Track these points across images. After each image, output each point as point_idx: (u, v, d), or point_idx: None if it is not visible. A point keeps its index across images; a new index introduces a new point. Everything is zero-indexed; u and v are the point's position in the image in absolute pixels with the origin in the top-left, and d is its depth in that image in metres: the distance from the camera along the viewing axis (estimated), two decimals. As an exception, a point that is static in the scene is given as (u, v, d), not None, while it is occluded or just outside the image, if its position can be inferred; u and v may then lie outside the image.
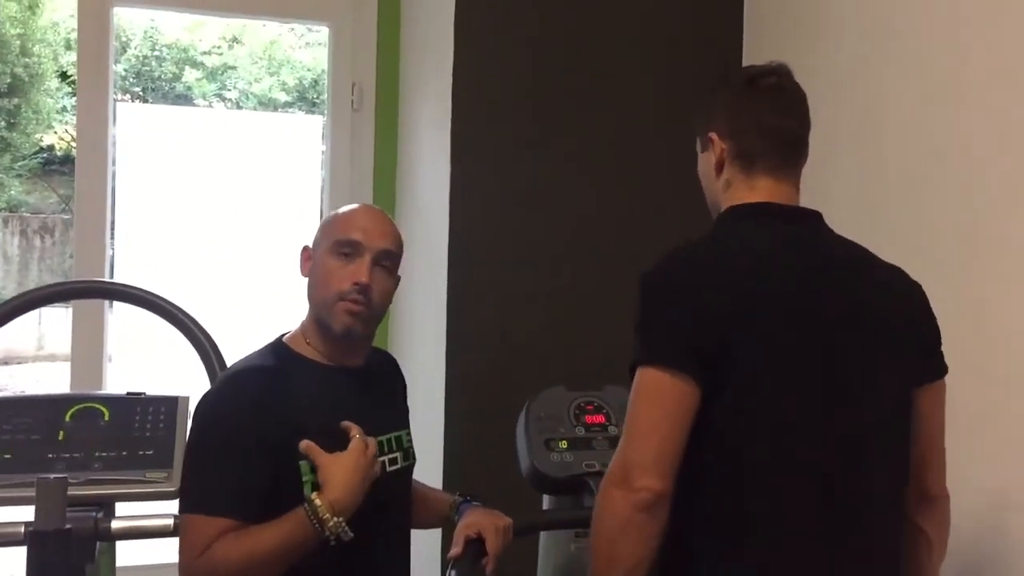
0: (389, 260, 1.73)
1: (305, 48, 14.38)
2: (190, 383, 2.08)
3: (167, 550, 2.63)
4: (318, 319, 1.73)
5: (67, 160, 14.57)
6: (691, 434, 1.39)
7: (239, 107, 13.32)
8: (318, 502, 1.55)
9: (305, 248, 1.79)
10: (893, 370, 1.48)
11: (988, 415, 1.84)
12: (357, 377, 1.77)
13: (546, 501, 2.18)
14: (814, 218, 1.54)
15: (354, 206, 1.81)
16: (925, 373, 1.53)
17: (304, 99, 14.52)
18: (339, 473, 1.58)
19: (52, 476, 0.94)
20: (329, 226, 1.76)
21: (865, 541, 1.44)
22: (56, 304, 1.99)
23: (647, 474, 1.35)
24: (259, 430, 1.60)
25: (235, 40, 13.77)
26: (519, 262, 2.54)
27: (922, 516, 1.55)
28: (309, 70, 14.61)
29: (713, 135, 1.56)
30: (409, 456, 1.83)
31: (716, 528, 1.43)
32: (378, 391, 1.83)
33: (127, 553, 2.03)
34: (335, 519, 1.55)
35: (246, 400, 1.64)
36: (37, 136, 13.09)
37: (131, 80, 13.41)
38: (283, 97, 13.81)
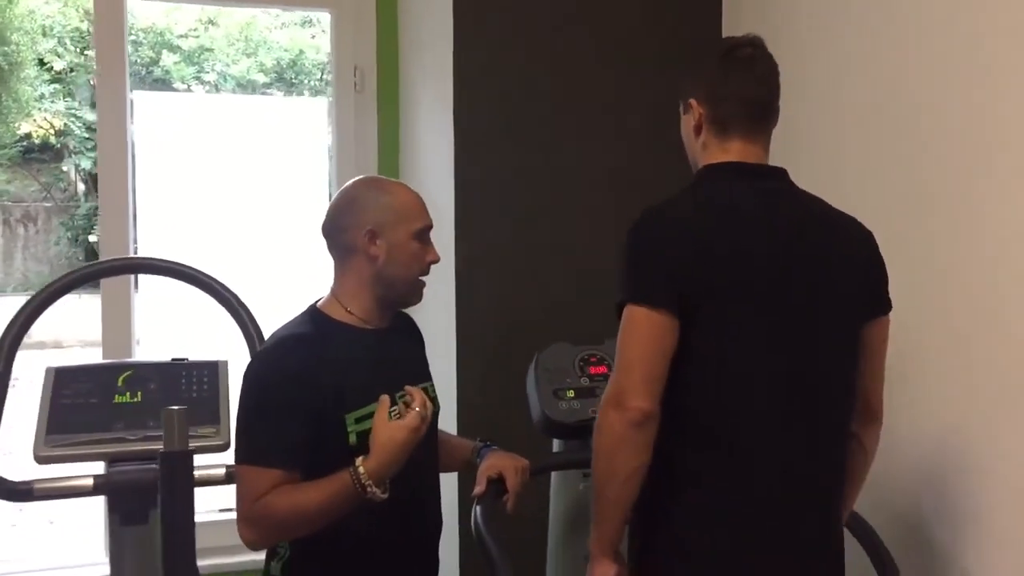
0: None
1: (281, 29, 14.39)
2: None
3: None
4: (387, 293, 1.90)
5: (46, 148, 14.52)
6: (675, 359, 1.61)
7: (217, 90, 13.33)
8: (362, 469, 1.70)
9: (371, 231, 1.87)
10: (845, 305, 1.71)
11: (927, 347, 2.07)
12: (386, 337, 1.94)
13: (556, 445, 2.39)
14: (780, 174, 1.76)
15: (402, 188, 1.96)
16: (873, 309, 1.76)
17: (282, 80, 14.53)
18: (388, 442, 1.72)
19: (175, 408, 1.12)
20: (406, 212, 1.90)
21: (818, 447, 1.69)
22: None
23: (637, 396, 1.59)
24: (304, 389, 1.76)
25: (211, 22, 13.76)
26: (522, 228, 2.72)
27: (863, 429, 1.79)
28: (286, 51, 14.61)
29: (693, 101, 1.77)
30: (435, 404, 2.02)
31: (694, 442, 1.66)
32: (404, 348, 2.01)
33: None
34: (375, 488, 1.71)
35: (292, 362, 1.80)
36: (15, 125, 13.07)
37: (108, 66, 13.35)
38: (261, 79, 13.84)
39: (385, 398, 1.77)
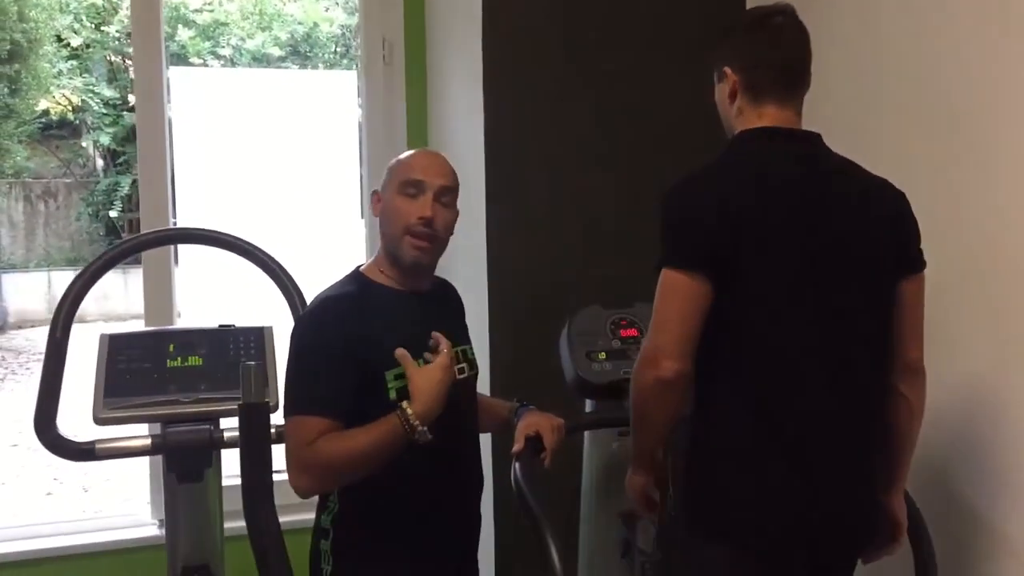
0: (448, 195, 1.96)
1: (295, 2, 14.40)
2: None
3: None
4: (389, 252, 1.98)
5: (64, 124, 14.62)
6: (711, 322, 1.69)
7: (233, 64, 13.38)
8: (409, 411, 1.80)
9: (375, 192, 2.03)
10: (879, 264, 1.78)
11: (962, 305, 2.12)
12: (426, 300, 2.02)
13: (588, 405, 2.47)
14: (815, 138, 1.82)
15: (413, 151, 2.05)
16: (907, 267, 1.82)
17: (297, 53, 14.55)
18: (426, 384, 1.83)
19: (252, 363, 1.20)
20: (394, 170, 1.99)
21: (854, 400, 1.76)
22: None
23: (669, 356, 1.69)
24: (347, 346, 1.84)
25: (227, -4, 13.79)
26: (552, 194, 2.79)
27: (905, 385, 1.86)
28: (300, 23, 14.62)
29: (727, 69, 1.83)
30: (474, 366, 2.10)
31: (733, 397, 1.75)
32: (444, 311, 2.08)
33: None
34: (421, 427, 1.81)
35: (335, 321, 1.88)
36: (34, 102, 13.16)
37: (124, 41, 13.45)
38: (276, 52, 13.86)
39: (402, 351, 1.84)
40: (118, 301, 12.53)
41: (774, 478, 1.72)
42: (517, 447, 2.07)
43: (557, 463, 2.08)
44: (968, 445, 2.14)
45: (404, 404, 1.81)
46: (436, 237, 1.95)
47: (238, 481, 2.82)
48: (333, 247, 3.14)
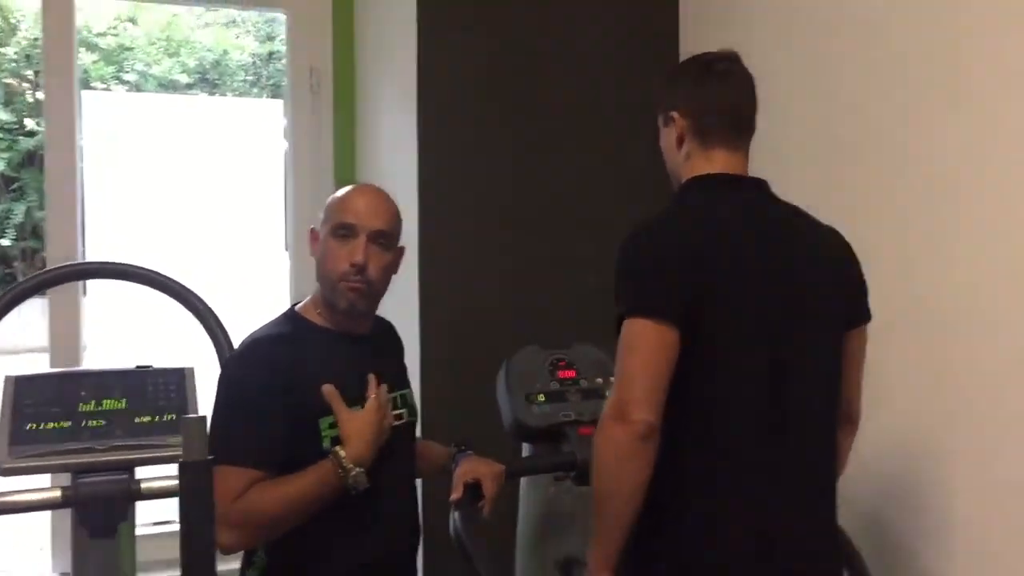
0: (385, 238, 1.88)
1: (205, 29, 14.11)
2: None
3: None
4: (325, 296, 1.89)
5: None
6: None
7: (138, 90, 13.01)
8: (343, 454, 1.73)
9: (312, 230, 1.94)
10: (830, 314, 1.76)
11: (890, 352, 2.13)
12: (363, 343, 1.93)
13: (525, 449, 2.39)
14: (762, 185, 1.80)
15: (350, 188, 1.94)
16: (854, 318, 1.81)
17: (206, 80, 14.25)
18: (358, 428, 1.76)
19: (193, 416, 1.09)
20: (330, 209, 1.90)
21: (809, 459, 1.72)
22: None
23: (641, 408, 1.58)
24: (278, 390, 1.75)
25: (130, 20, 13.41)
26: (488, 231, 2.73)
27: (842, 434, 1.82)
28: (209, 51, 14.32)
29: (675, 113, 1.79)
30: (413, 412, 2.01)
31: (692, 454, 1.66)
32: (382, 355, 1.99)
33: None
34: (356, 470, 1.73)
35: (266, 364, 1.79)
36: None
37: (22, 63, 12.95)
38: (184, 79, 13.54)
39: (330, 388, 1.77)
40: (11, 335, 11.93)
41: (738, 543, 1.65)
42: (456, 495, 1.98)
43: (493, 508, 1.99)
44: (901, 490, 2.15)
45: (337, 448, 1.73)
46: (370, 283, 1.86)
47: (151, 531, 2.69)
48: (255, 282, 3.01)
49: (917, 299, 2.11)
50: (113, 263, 2.14)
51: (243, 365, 1.82)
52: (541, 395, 2.27)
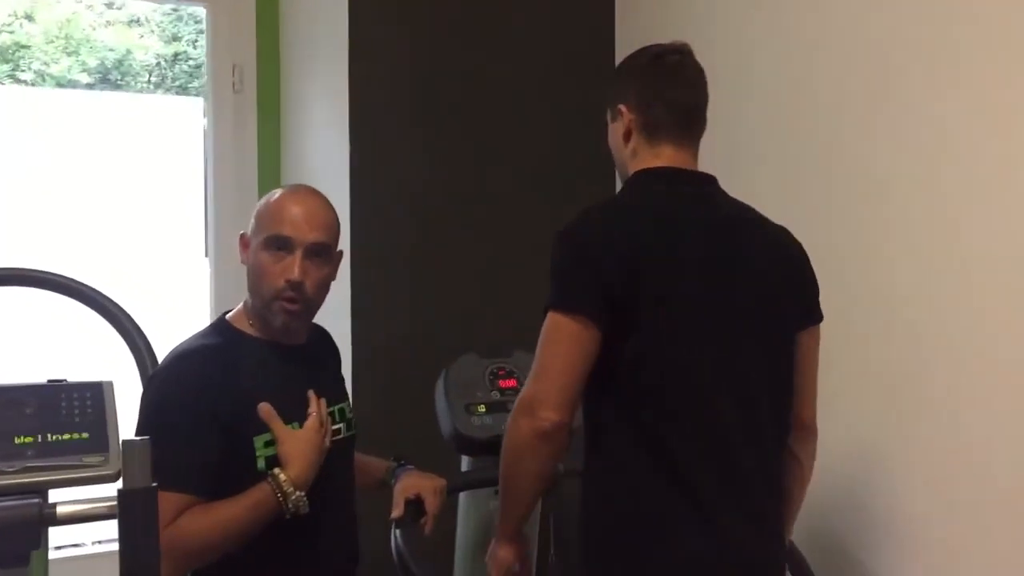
0: (322, 251, 1.75)
1: (106, 27, 13.62)
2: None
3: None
4: (257, 310, 1.77)
5: None
6: (605, 371, 1.57)
7: (35, 88, 12.49)
8: (282, 477, 1.62)
9: (242, 235, 1.81)
10: (780, 313, 1.70)
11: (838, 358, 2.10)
12: (299, 355, 1.82)
13: (464, 463, 2.31)
14: (711, 181, 1.74)
15: (282, 193, 1.80)
16: (804, 318, 1.75)
17: (107, 81, 13.76)
18: (300, 448, 1.66)
19: (135, 439, 0.98)
20: (261, 218, 1.77)
21: (755, 467, 1.66)
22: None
23: (548, 407, 1.55)
24: (209, 407, 1.64)
25: (27, 17, 12.88)
26: (423, 236, 2.65)
27: (797, 444, 1.78)
28: (112, 50, 13.84)
29: (622, 107, 1.73)
30: (351, 426, 1.91)
31: (631, 451, 1.61)
32: (319, 367, 1.89)
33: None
34: (297, 493, 1.62)
35: (194, 378, 1.67)
36: None
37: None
38: (84, 79, 13.04)
39: (267, 407, 1.66)
40: None
41: (686, 540, 1.60)
42: (397, 512, 1.90)
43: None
44: (853, 501, 2.13)
45: (277, 471, 1.62)
46: (307, 300, 1.75)
47: (61, 554, 2.52)
48: (172, 291, 2.86)
49: (866, 301, 2.10)
50: (24, 270, 1.97)
51: (169, 382, 1.70)
52: (482, 406, 2.20)
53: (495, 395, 2.23)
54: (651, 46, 1.78)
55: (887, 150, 2.06)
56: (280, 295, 1.71)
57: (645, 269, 1.58)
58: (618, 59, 2.87)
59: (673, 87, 1.72)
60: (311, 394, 1.72)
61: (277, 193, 1.81)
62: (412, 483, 1.93)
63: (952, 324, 1.92)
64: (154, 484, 0.97)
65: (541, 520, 2.27)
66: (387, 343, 2.58)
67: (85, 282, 2.02)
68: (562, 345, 1.56)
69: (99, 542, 2.75)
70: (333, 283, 1.83)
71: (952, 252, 1.92)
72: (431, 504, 1.91)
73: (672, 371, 1.60)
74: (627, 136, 1.73)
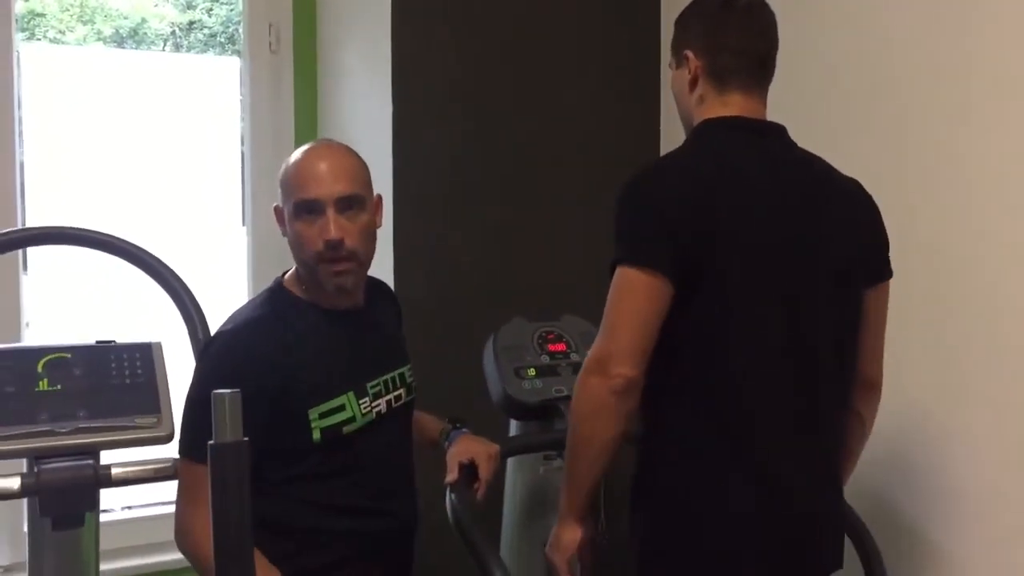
0: (354, 201, 1.70)
1: (121, -5, 13.55)
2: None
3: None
4: (307, 279, 1.73)
5: None
6: (673, 326, 1.53)
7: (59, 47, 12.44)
8: None
9: (276, 207, 1.76)
10: (849, 269, 1.66)
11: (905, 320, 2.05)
12: (357, 320, 1.78)
13: (513, 427, 2.28)
14: (781, 131, 1.69)
15: (300, 154, 1.74)
16: (874, 274, 1.72)
17: (123, 49, 13.69)
18: None
19: (225, 392, 0.94)
20: (285, 186, 1.72)
21: (819, 417, 1.64)
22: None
23: (622, 362, 1.51)
24: (259, 380, 1.60)
25: (42, -15, 12.83)
26: (466, 199, 2.59)
27: (861, 401, 1.75)
28: (126, 18, 13.78)
29: (688, 53, 1.68)
30: (412, 391, 1.87)
31: (696, 412, 1.59)
32: (378, 331, 1.85)
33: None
34: None
35: (242, 354, 1.65)
36: None
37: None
38: (100, 48, 12.98)
39: None
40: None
41: (746, 504, 1.57)
42: (452, 476, 1.87)
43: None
44: (905, 461, 2.09)
45: None
46: (352, 255, 1.69)
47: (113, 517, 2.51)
48: (209, 258, 2.81)
49: (928, 271, 2.04)
50: (79, 229, 1.93)
51: (220, 350, 1.68)
52: (532, 369, 2.17)
53: (544, 359, 2.19)
54: None
55: (957, 109, 1.99)
56: (322, 258, 1.66)
57: (717, 222, 1.54)
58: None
59: (743, 33, 1.67)
60: None
61: (294, 157, 1.75)
62: (466, 448, 1.90)
63: (1011, 298, 1.87)
64: (245, 438, 0.93)
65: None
66: (433, 307, 2.54)
67: (134, 242, 1.98)
68: (635, 300, 1.52)
69: (128, 508, 2.74)
70: (379, 250, 1.79)
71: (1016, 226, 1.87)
72: (484, 470, 1.88)
73: (740, 326, 1.56)
74: (693, 83, 1.68)
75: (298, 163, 1.71)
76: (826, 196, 1.66)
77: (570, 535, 1.69)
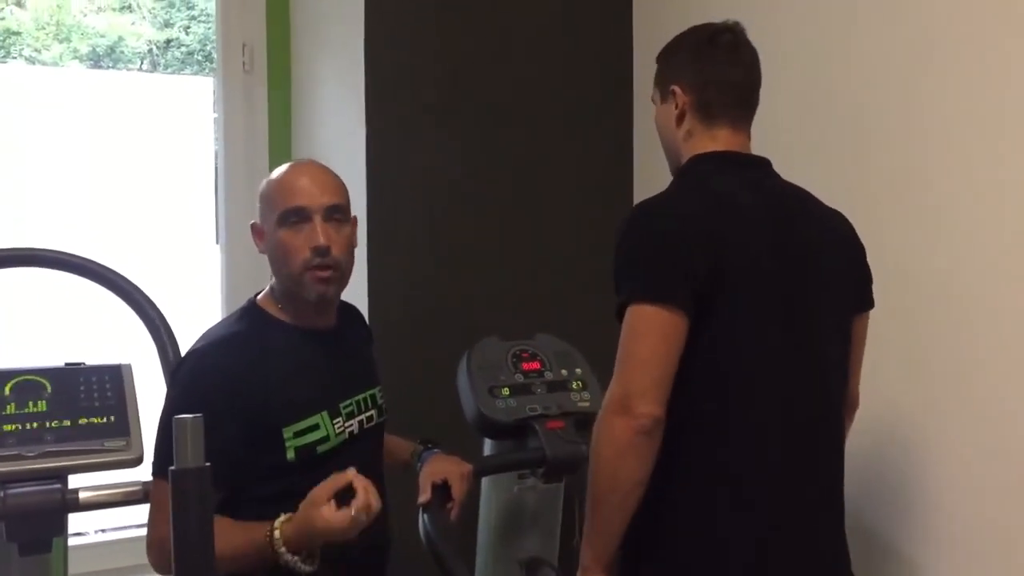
0: (339, 212, 1.73)
1: (98, 13, 13.49)
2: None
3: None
4: (288, 290, 1.73)
5: None
6: (682, 361, 1.52)
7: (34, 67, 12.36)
8: (277, 534, 1.55)
9: (253, 225, 1.78)
10: (839, 298, 1.69)
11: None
12: (329, 340, 1.78)
13: (487, 447, 2.27)
14: (766, 164, 1.72)
15: (285, 169, 1.77)
16: (859, 304, 1.75)
17: (99, 68, 13.62)
18: (315, 521, 1.54)
19: (188, 416, 0.93)
20: (269, 198, 1.73)
21: (825, 445, 1.66)
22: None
23: (647, 401, 1.48)
24: (233, 398, 1.61)
25: (17, 3, 12.75)
26: (440, 217, 2.60)
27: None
28: (103, 36, 13.71)
29: (676, 88, 1.69)
30: (382, 412, 1.87)
31: (701, 443, 1.57)
32: (350, 352, 1.85)
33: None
34: (290, 555, 1.55)
35: (218, 370, 1.65)
36: None
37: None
38: (76, 66, 12.91)
39: (352, 472, 1.57)
40: None
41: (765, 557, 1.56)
42: (424, 497, 1.86)
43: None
44: (877, 476, 2.10)
45: (278, 521, 1.55)
46: (337, 265, 1.71)
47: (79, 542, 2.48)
48: (183, 276, 2.80)
49: (899, 286, 2.06)
50: (46, 251, 1.92)
51: (192, 373, 1.67)
52: (505, 388, 2.16)
53: (519, 378, 2.18)
54: (702, 25, 1.75)
55: (924, 129, 2.02)
56: (308, 265, 1.67)
57: (724, 257, 1.55)
58: (636, 38, 2.84)
59: (729, 67, 1.69)
60: (360, 485, 1.56)
61: (277, 172, 1.77)
62: (439, 468, 1.90)
63: (984, 305, 1.89)
64: (207, 464, 0.92)
65: (566, 504, 2.24)
66: (407, 325, 2.54)
67: (105, 264, 1.97)
68: (654, 337, 1.50)
69: (102, 531, 2.71)
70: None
71: (987, 234, 1.88)
72: (457, 490, 1.87)
73: (748, 358, 1.57)
74: (680, 118, 1.70)
75: (283, 176, 1.74)
76: (818, 229, 1.68)
77: None
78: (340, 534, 1.53)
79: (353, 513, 1.53)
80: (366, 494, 1.54)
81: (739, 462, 1.57)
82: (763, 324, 1.57)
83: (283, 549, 1.53)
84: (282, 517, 1.55)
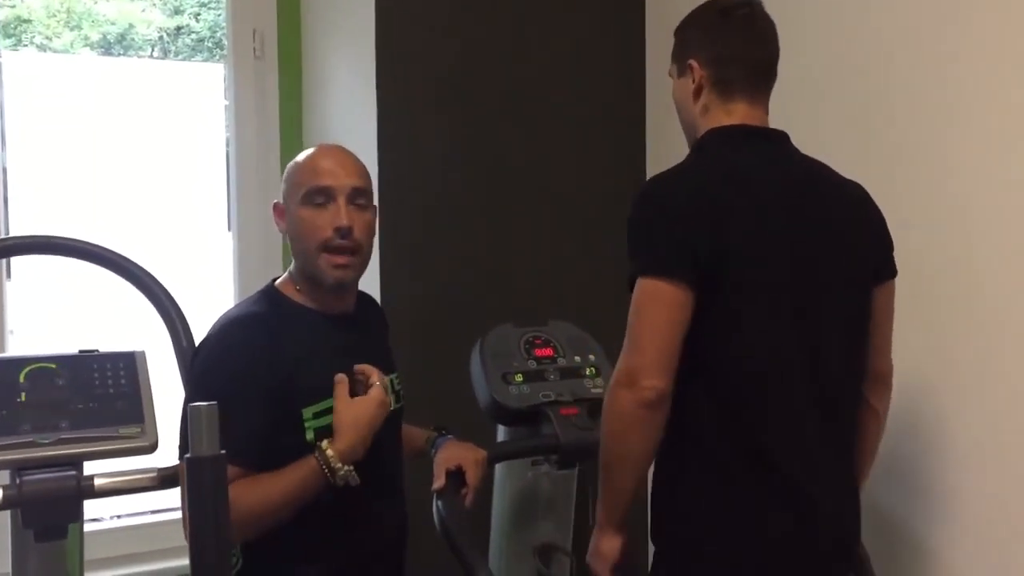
0: (362, 196, 1.74)
1: (108, 1, 13.47)
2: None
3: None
4: (306, 272, 1.73)
5: None
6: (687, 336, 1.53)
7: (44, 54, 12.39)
8: (330, 452, 1.58)
9: (276, 204, 1.78)
10: (857, 269, 1.68)
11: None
12: (348, 325, 1.78)
13: (500, 433, 2.27)
14: (784, 137, 1.71)
15: (312, 150, 1.80)
16: (882, 272, 1.73)
17: (110, 55, 13.63)
18: (355, 419, 1.61)
19: (202, 404, 0.93)
20: (294, 177, 1.74)
21: (834, 419, 1.64)
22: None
23: (651, 374, 1.50)
24: (257, 377, 1.60)
25: (28, -9, 12.77)
26: (453, 204, 2.59)
27: (875, 396, 1.77)
28: (113, 23, 13.72)
29: (693, 62, 1.68)
30: (400, 398, 1.87)
31: (713, 413, 1.58)
32: (367, 337, 1.85)
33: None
34: (345, 468, 1.59)
35: (242, 347, 1.64)
36: None
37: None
38: (87, 53, 12.92)
39: (342, 378, 1.63)
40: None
41: (761, 509, 1.58)
42: (438, 484, 1.86)
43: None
44: (897, 462, 2.08)
45: (324, 444, 1.58)
46: (358, 248, 1.71)
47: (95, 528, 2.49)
48: (195, 263, 2.81)
49: (915, 268, 2.04)
50: (59, 238, 1.92)
51: (217, 350, 1.66)
52: (519, 375, 2.15)
53: (531, 364, 2.18)
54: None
55: (946, 103, 1.99)
56: (329, 245, 1.67)
57: (731, 232, 1.55)
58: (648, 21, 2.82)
59: (747, 42, 1.68)
60: (367, 369, 1.67)
61: (304, 154, 1.79)
62: (453, 454, 1.89)
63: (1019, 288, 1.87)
64: (223, 451, 0.92)
65: (580, 490, 2.24)
66: (420, 312, 2.53)
67: (118, 251, 1.96)
68: (659, 311, 1.52)
69: (117, 516, 2.72)
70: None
71: (1017, 208, 1.86)
72: (471, 476, 1.87)
73: (754, 333, 1.57)
74: (697, 92, 1.69)
75: (310, 156, 1.76)
76: (833, 200, 1.67)
77: (609, 544, 1.67)
78: (383, 408, 1.65)
79: (377, 384, 1.65)
80: (372, 370, 1.67)
81: (749, 440, 1.57)
82: (769, 299, 1.57)
83: (339, 464, 1.57)
84: (325, 441, 1.60)
